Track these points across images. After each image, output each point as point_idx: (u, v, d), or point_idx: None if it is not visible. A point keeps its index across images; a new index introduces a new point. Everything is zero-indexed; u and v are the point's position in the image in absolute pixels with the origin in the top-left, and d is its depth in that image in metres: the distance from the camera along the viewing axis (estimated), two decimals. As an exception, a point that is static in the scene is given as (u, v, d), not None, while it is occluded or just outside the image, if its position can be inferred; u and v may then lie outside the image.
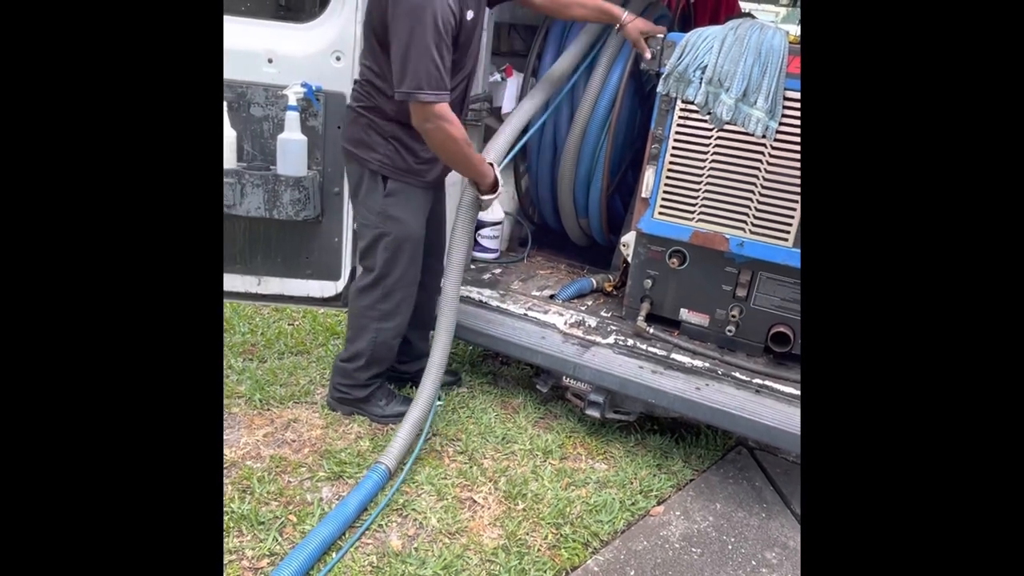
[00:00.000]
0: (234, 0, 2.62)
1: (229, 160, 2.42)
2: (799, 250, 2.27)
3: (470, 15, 2.06)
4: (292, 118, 2.37)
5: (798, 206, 2.24)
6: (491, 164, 2.28)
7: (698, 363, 2.44)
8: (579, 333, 2.59)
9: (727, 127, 2.28)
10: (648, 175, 2.46)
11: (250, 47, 2.38)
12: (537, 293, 2.91)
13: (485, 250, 3.15)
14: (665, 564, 2.05)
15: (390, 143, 2.18)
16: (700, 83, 2.27)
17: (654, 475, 2.40)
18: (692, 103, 2.30)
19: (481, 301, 2.74)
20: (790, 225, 2.28)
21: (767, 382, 2.34)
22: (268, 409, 2.55)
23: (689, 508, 2.31)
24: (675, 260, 2.52)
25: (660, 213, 2.47)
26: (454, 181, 2.74)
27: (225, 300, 2.81)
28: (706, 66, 2.25)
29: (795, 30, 3.29)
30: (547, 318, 2.66)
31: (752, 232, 2.34)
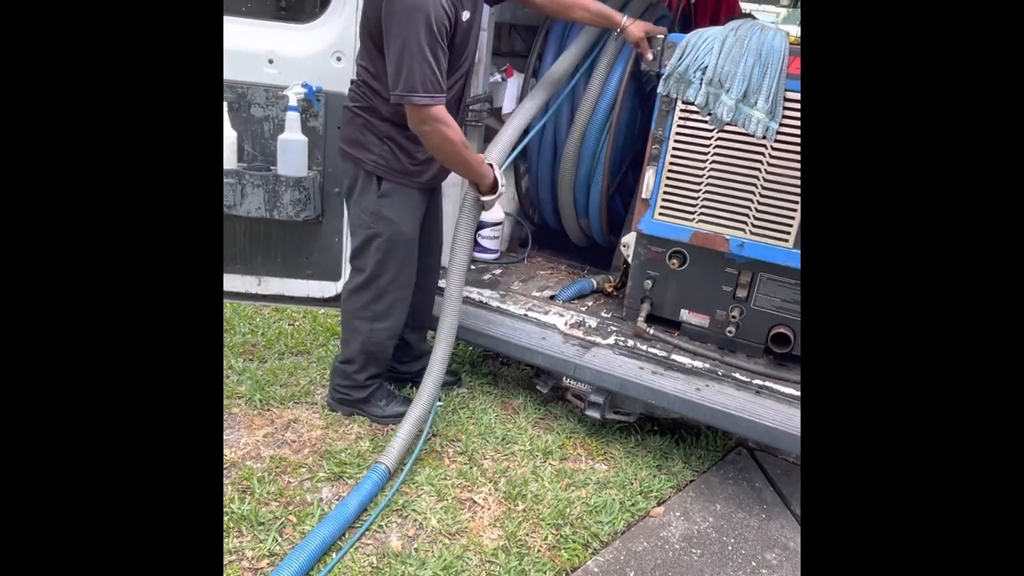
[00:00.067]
0: (235, 1, 2.62)
1: (230, 160, 2.42)
2: (799, 251, 2.27)
3: (466, 16, 2.05)
4: (293, 119, 2.38)
5: (798, 207, 2.24)
6: (490, 165, 2.28)
7: (698, 364, 2.44)
8: (579, 334, 2.59)
9: (727, 128, 2.28)
10: (648, 176, 2.46)
11: (251, 48, 2.38)
12: (537, 294, 2.91)
13: (485, 250, 3.15)
14: (665, 565, 2.05)
15: (385, 144, 2.18)
16: (700, 84, 2.27)
17: (654, 476, 2.40)
18: (692, 104, 2.30)
19: (481, 302, 2.74)
20: (790, 226, 2.28)
21: (767, 383, 2.34)
22: (268, 409, 2.55)
23: (689, 509, 2.30)
24: (675, 261, 2.52)
25: (660, 214, 2.47)
26: (455, 182, 2.75)
27: (225, 300, 2.81)
28: (706, 67, 2.25)
29: (795, 31, 3.29)
30: (547, 319, 2.66)
31: (752, 233, 2.34)
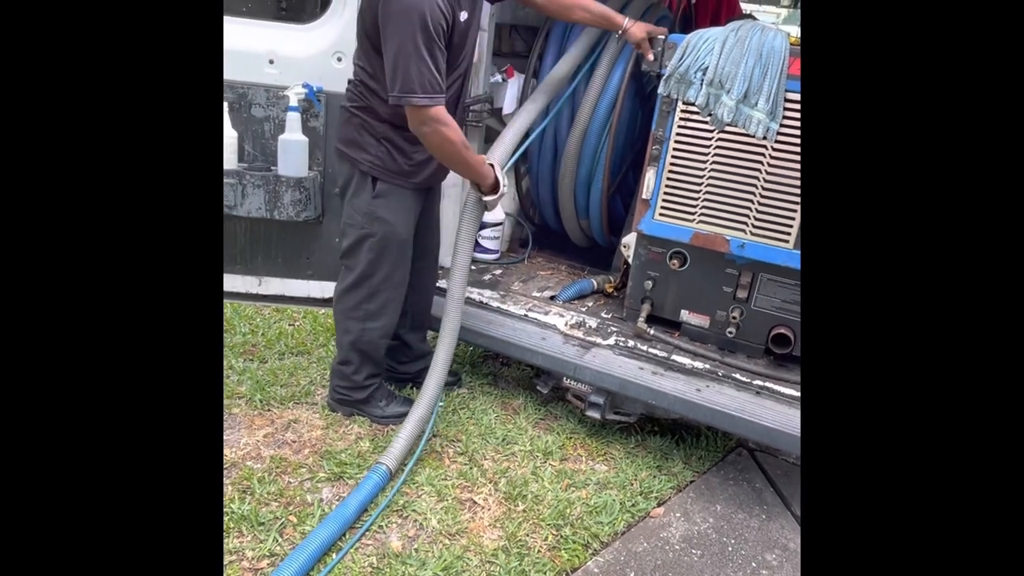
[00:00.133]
0: (235, 1, 2.63)
1: (230, 161, 2.42)
2: (800, 252, 2.27)
3: (463, 16, 2.05)
4: (293, 119, 2.38)
5: (799, 207, 2.24)
6: (491, 165, 2.28)
7: (698, 364, 2.44)
8: (580, 334, 2.59)
9: (728, 128, 2.28)
10: (649, 176, 2.46)
11: (251, 48, 2.38)
12: (538, 294, 2.91)
13: (486, 251, 3.15)
14: (665, 566, 2.05)
15: (382, 144, 2.17)
16: (701, 84, 2.27)
17: (654, 476, 2.40)
18: (693, 104, 2.30)
19: (482, 302, 2.74)
20: (791, 227, 2.28)
21: (768, 384, 2.34)
22: (269, 410, 2.55)
23: (689, 510, 2.30)
24: (676, 261, 2.52)
25: (661, 214, 2.47)
26: (455, 182, 2.75)
27: (226, 300, 2.81)
28: (707, 68, 2.25)
29: (796, 31, 3.29)
30: (548, 319, 2.66)
31: (753, 234, 2.34)
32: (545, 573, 1.95)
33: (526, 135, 2.54)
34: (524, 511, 2.17)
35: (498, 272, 3.09)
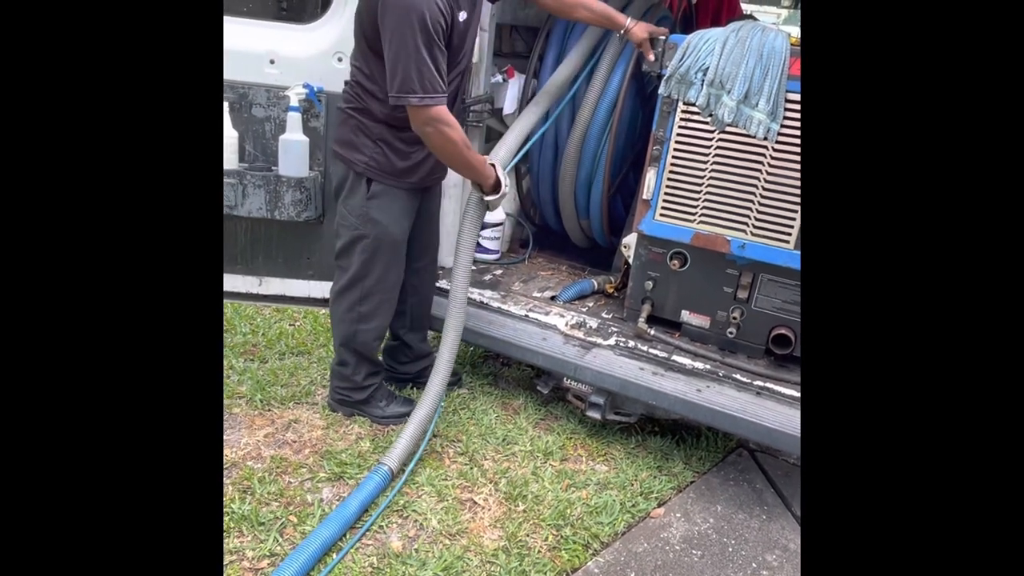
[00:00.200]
0: (236, 1, 2.62)
1: (231, 161, 2.42)
2: (800, 252, 2.27)
3: (462, 16, 2.04)
4: (294, 119, 2.38)
5: (799, 208, 2.24)
6: (493, 165, 2.27)
7: (699, 365, 2.44)
8: (580, 335, 2.59)
9: (728, 129, 2.28)
10: (649, 177, 2.46)
11: (252, 48, 2.38)
12: (538, 294, 2.91)
13: (486, 251, 3.15)
14: (665, 566, 2.05)
15: (378, 146, 2.17)
16: (702, 85, 2.27)
17: (655, 477, 2.40)
18: (694, 105, 2.30)
19: (482, 302, 2.74)
20: (791, 227, 2.28)
21: (768, 384, 2.34)
22: (269, 410, 2.55)
23: (690, 510, 2.30)
24: (676, 262, 2.52)
25: (661, 215, 2.47)
26: (455, 182, 2.75)
27: (226, 300, 2.81)
28: (708, 68, 2.25)
29: (797, 32, 3.29)
30: (548, 319, 2.66)
31: (753, 234, 2.34)
32: (545, 573, 1.94)
33: (528, 137, 2.54)
34: (524, 511, 2.17)
35: (499, 272, 3.09)
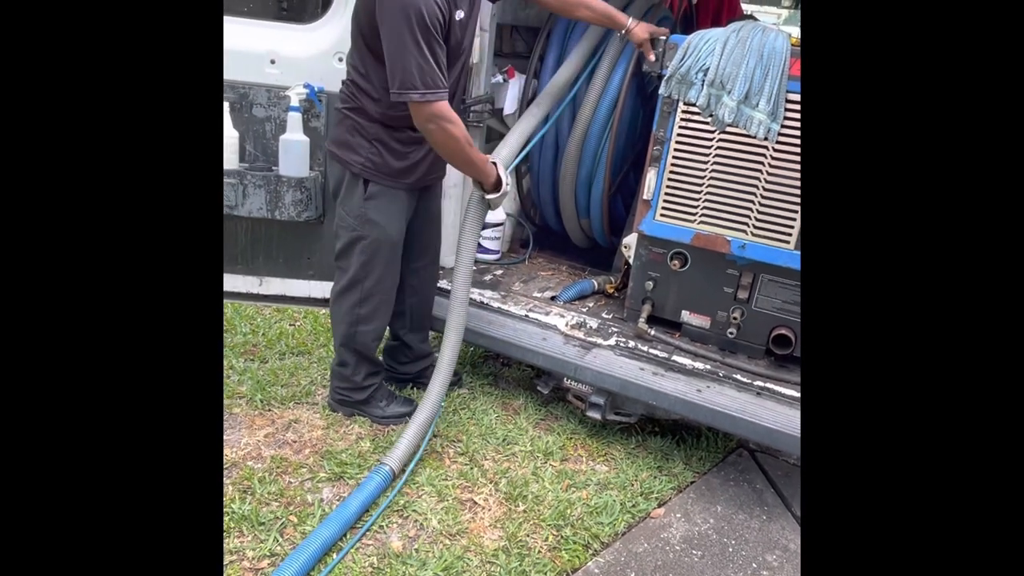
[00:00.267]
0: (236, 1, 2.62)
1: (231, 161, 2.43)
2: (800, 252, 2.27)
3: (460, 15, 2.04)
4: (294, 119, 2.38)
5: (799, 208, 2.24)
6: (494, 163, 2.27)
7: (699, 365, 2.44)
8: (580, 335, 2.59)
9: (729, 129, 2.28)
10: (650, 177, 2.46)
11: (252, 48, 2.38)
12: (538, 294, 2.91)
13: (486, 251, 3.15)
14: (666, 566, 2.05)
15: (374, 146, 2.17)
16: (702, 85, 2.27)
17: (655, 477, 2.40)
18: (694, 105, 2.30)
19: (482, 302, 2.74)
20: (792, 227, 2.28)
21: (768, 384, 2.34)
22: (269, 410, 2.55)
23: (690, 510, 2.30)
24: (676, 262, 2.52)
25: (662, 215, 2.47)
26: (456, 182, 2.75)
27: (227, 300, 2.81)
28: (708, 68, 2.25)
29: (797, 32, 3.29)
30: (548, 320, 2.66)
31: (754, 234, 2.34)
32: (545, 573, 1.94)
33: (530, 138, 2.54)
34: (525, 511, 2.17)
35: (499, 272, 3.09)
